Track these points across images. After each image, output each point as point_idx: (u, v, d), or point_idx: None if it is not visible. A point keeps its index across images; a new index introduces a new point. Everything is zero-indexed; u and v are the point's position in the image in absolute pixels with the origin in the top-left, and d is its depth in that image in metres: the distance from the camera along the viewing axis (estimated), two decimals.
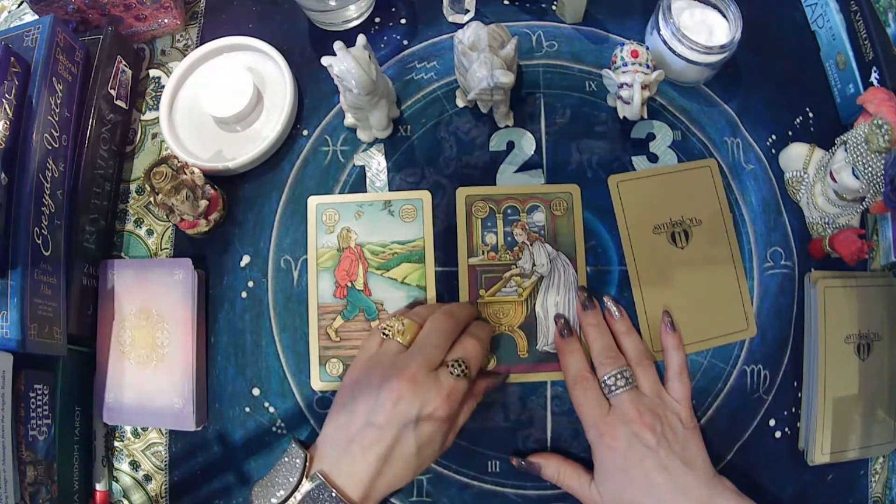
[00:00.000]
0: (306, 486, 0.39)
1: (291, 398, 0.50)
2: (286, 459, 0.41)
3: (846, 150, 0.47)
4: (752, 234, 0.53)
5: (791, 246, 0.53)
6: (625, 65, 0.51)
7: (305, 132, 0.55)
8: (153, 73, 0.58)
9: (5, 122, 0.44)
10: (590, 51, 0.57)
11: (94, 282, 0.51)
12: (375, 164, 0.54)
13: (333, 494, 0.38)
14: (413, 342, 0.44)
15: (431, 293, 0.51)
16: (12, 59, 0.45)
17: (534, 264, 0.52)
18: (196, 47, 0.57)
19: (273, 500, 0.39)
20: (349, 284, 0.51)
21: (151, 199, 0.48)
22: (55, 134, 0.48)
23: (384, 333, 0.45)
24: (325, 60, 0.46)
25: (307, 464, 0.40)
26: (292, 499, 0.39)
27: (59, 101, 0.48)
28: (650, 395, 0.46)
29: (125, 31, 0.57)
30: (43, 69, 0.47)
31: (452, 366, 0.42)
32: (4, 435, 0.41)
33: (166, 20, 0.57)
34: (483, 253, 0.52)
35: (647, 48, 0.52)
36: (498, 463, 0.49)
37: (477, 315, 0.50)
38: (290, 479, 0.40)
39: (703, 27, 0.53)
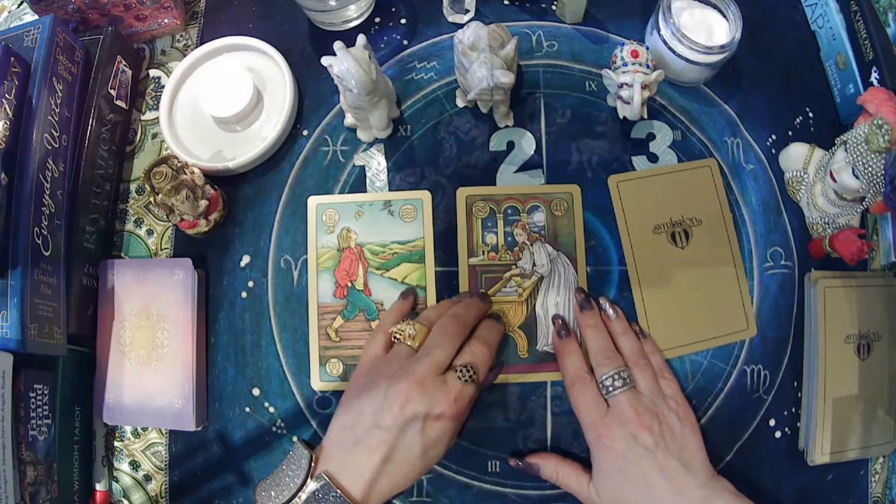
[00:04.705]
0: (311, 486, 0.39)
1: (291, 398, 0.50)
2: (291, 459, 0.41)
3: (846, 150, 0.47)
4: (752, 234, 0.53)
5: (791, 246, 0.53)
6: (625, 65, 0.51)
7: (305, 132, 0.55)
8: (153, 73, 0.58)
9: (5, 122, 0.44)
10: (590, 51, 0.57)
11: (94, 282, 0.51)
12: (375, 164, 0.54)
13: (338, 495, 0.39)
14: (421, 346, 0.44)
15: (431, 293, 0.51)
16: (12, 59, 0.45)
17: (534, 264, 0.52)
18: (196, 47, 0.57)
19: (277, 500, 0.39)
20: (349, 284, 0.51)
21: (151, 199, 0.48)
22: (55, 134, 0.48)
23: (395, 337, 0.45)
24: (325, 60, 0.46)
25: (312, 464, 0.40)
26: (297, 499, 0.39)
27: (59, 101, 0.48)
28: (648, 395, 0.46)
29: (125, 31, 0.57)
30: (43, 69, 0.47)
31: (461, 371, 0.43)
32: (4, 435, 0.41)
33: (166, 20, 0.57)
34: (483, 253, 0.52)
35: (647, 48, 0.52)
36: (498, 463, 0.49)
37: (487, 310, 0.49)
38: (296, 479, 0.40)
39: (703, 27, 0.53)
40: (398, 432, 0.40)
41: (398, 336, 0.45)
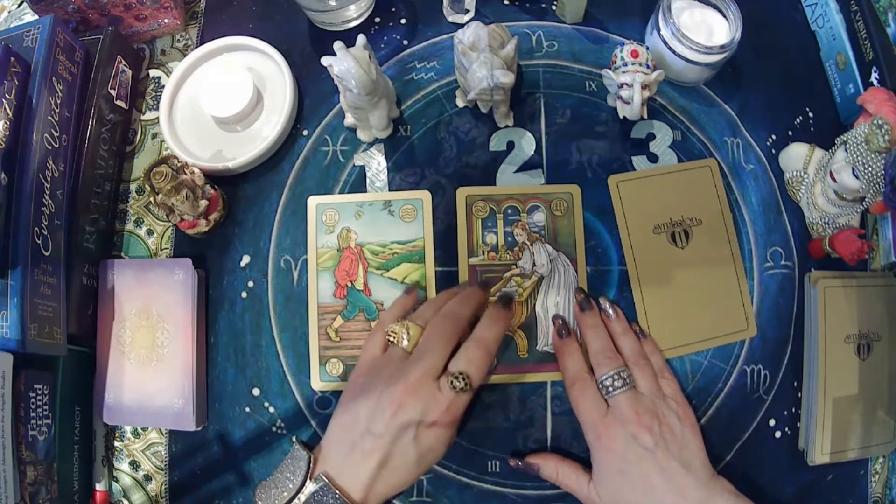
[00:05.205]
0: (310, 487, 0.39)
1: (291, 398, 0.50)
2: (290, 460, 0.41)
3: (846, 150, 0.47)
4: (752, 234, 0.53)
5: (791, 246, 0.53)
6: (625, 65, 0.51)
7: (305, 132, 0.55)
8: (153, 73, 0.58)
9: (5, 122, 0.44)
10: (590, 51, 0.57)
11: (94, 282, 0.51)
12: (375, 164, 0.54)
13: (338, 496, 0.39)
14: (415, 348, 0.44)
15: (431, 293, 0.51)
16: (12, 59, 0.45)
17: (534, 264, 0.52)
18: (196, 47, 0.57)
19: (277, 501, 0.39)
20: (349, 284, 0.51)
21: (151, 199, 0.48)
22: (55, 134, 0.48)
23: (389, 340, 0.45)
24: (325, 60, 0.46)
25: (311, 465, 0.40)
26: (296, 500, 0.39)
27: (59, 101, 0.48)
28: (648, 396, 0.46)
29: (125, 31, 0.57)
30: (43, 69, 0.47)
31: (454, 380, 0.41)
32: (4, 435, 0.41)
33: (166, 20, 0.57)
34: (483, 253, 0.52)
35: (647, 48, 0.52)
36: (498, 463, 0.49)
37: (484, 300, 0.48)
38: (295, 480, 0.40)
39: (703, 27, 0.53)
40: (391, 439, 0.40)
41: (391, 338, 0.45)
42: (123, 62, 0.55)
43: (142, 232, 0.54)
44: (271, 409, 0.50)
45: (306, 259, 0.52)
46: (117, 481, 0.52)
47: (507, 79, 0.46)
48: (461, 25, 0.54)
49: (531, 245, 0.52)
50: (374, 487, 0.40)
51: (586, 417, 0.46)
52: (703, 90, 0.57)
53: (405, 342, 0.44)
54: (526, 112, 0.55)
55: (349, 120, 0.54)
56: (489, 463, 0.49)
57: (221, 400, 0.51)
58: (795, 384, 0.51)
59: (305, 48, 0.58)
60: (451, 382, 0.42)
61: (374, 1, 0.58)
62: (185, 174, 0.49)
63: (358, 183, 0.54)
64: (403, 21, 0.58)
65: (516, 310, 0.51)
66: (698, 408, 0.50)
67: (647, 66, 0.50)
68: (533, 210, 0.53)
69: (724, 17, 0.54)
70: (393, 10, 0.59)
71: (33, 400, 0.44)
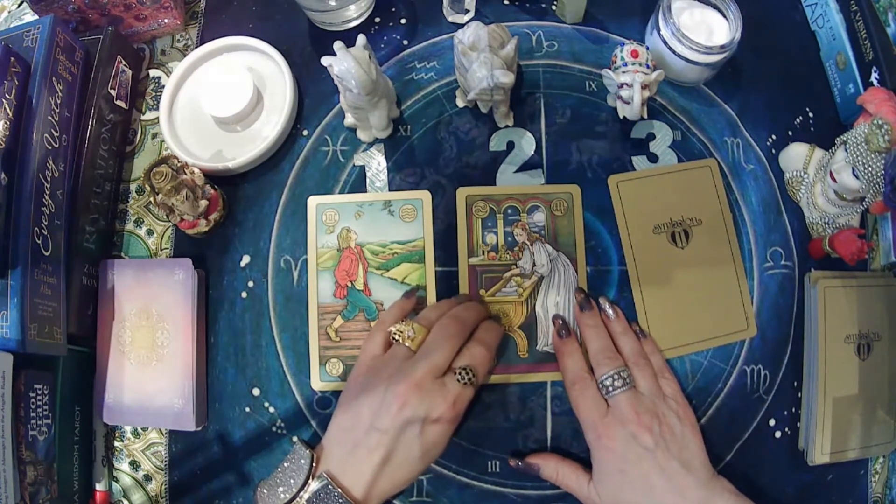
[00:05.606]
0: (313, 485, 0.39)
1: (291, 398, 0.50)
2: (292, 459, 0.41)
3: (846, 150, 0.47)
4: (752, 234, 0.53)
5: (791, 246, 0.53)
6: (625, 65, 0.51)
7: (305, 132, 0.55)
8: (153, 73, 0.58)
9: (5, 122, 0.44)
10: (590, 51, 0.57)
11: (94, 282, 0.51)
12: (375, 164, 0.54)
13: (340, 494, 0.39)
14: (420, 347, 0.44)
15: (431, 293, 0.51)
16: (12, 59, 0.45)
17: (534, 264, 0.52)
18: (196, 47, 0.57)
19: (279, 500, 0.39)
20: (349, 284, 0.51)
21: (151, 199, 0.48)
22: (55, 134, 0.48)
23: (394, 338, 0.45)
24: (325, 60, 0.46)
25: (314, 464, 0.40)
26: (298, 498, 0.39)
27: (59, 101, 0.48)
28: (648, 395, 0.46)
29: (125, 31, 0.57)
30: (43, 69, 0.47)
31: (460, 373, 0.43)
32: (4, 435, 0.41)
33: (166, 20, 0.57)
34: (483, 253, 0.52)
35: (647, 48, 0.52)
36: (498, 463, 0.49)
37: (486, 315, 0.49)
38: (297, 479, 0.40)
39: (703, 27, 0.53)
40: (396, 434, 0.40)
41: (397, 337, 0.45)
42: (123, 62, 0.55)
43: (142, 232, 0.54)
44: (271, 409, 0.51)
45: (306, 259, 0.52)
46: (117, 481, 0.52)
47: (507, 79, 0.46)
48: (461, 25, 0.54)
49: (531, 245, 0.52)
50: (377, 484, 0.40)
51: (586, 417, 0.46)
52: (703, 90, 0.57)
53: (409, 342, 0.44)
54: (526, 112, 0.55)
55: (349, 120, 0.54)
56: (489, 463, 0.49)
57: (221, 400, 0.51)
58: (795, 384, 0.51)
59: (305, 48, 0.58)
60: (458, 375, 0.42)
61: (374, 1, 0.58)
62: (185, 174, 0.49)
63: (358, 183, 0.54)
64: (403, 21, 0.58)
65: (516, 310, 0.51)
66: (698, 408, 0.50)
67: (647, 66, 0.50)
68: (533, 210, 0.53)
69: (724, 17, 0.54)
70: (393, 10, 0.59)
71: (33, 400, 0.44)
